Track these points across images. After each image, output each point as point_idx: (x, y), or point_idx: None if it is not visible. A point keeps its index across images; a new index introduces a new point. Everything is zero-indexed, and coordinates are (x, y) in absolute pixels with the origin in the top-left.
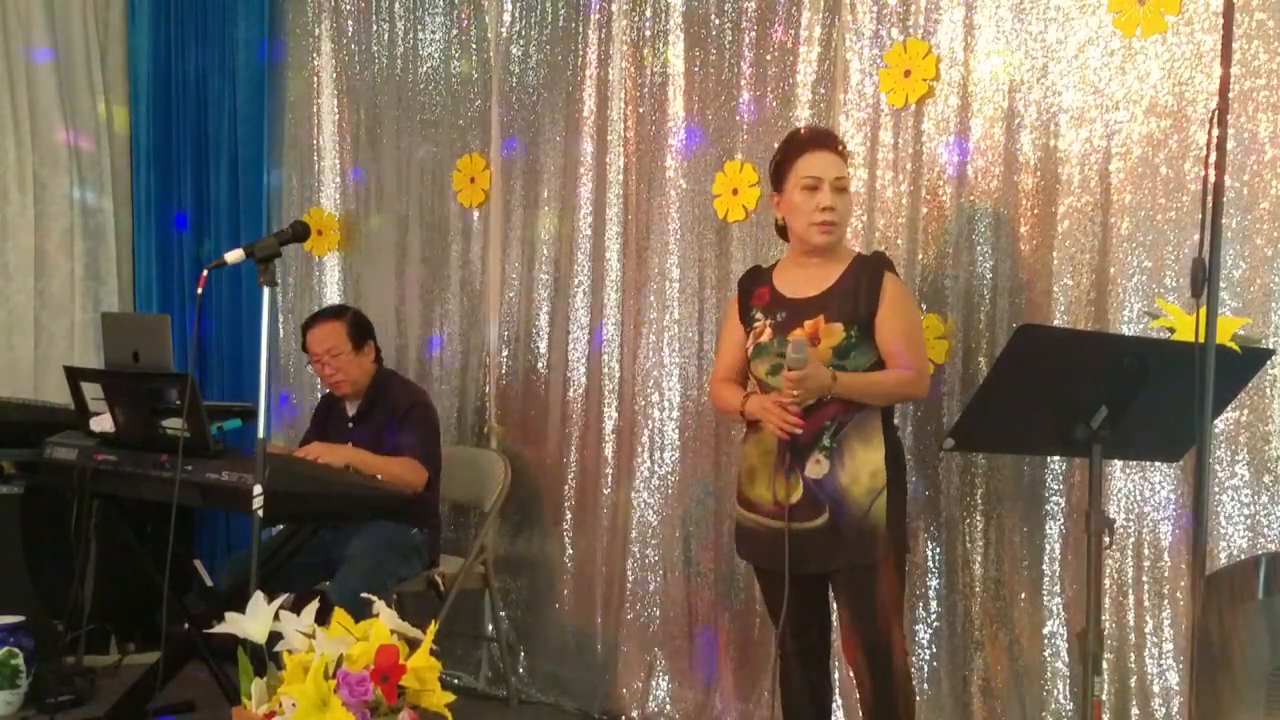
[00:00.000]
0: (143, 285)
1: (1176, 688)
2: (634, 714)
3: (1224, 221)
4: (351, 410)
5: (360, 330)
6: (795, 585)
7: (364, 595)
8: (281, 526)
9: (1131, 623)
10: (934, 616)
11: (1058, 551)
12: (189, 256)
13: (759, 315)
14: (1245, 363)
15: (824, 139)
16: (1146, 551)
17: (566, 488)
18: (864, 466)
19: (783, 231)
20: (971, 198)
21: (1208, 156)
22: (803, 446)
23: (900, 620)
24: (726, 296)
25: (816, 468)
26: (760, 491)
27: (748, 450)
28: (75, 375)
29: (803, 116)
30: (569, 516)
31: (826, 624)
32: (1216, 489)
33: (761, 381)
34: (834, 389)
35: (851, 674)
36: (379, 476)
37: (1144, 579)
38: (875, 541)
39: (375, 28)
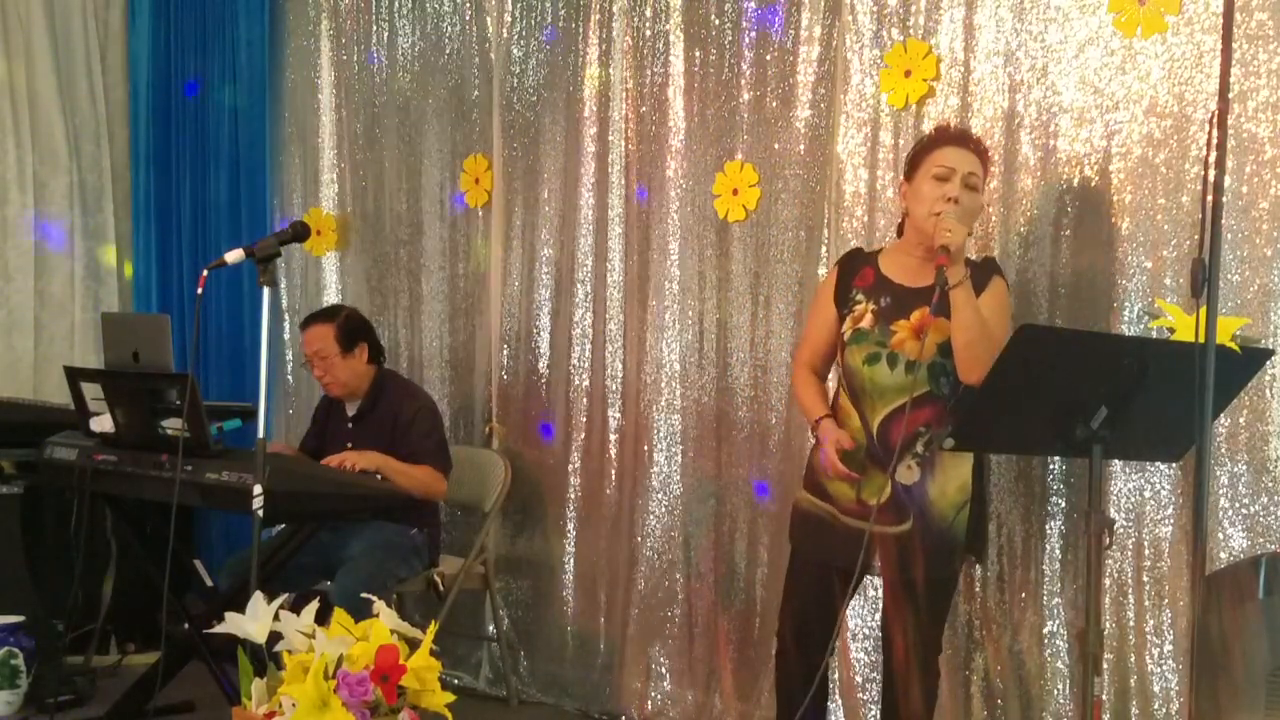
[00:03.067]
0: (142, 285)
1: (1176, 688)
2: (634, 714)
3: (1224, 222)
4: (351, 410)
5: (351, 333)
6: (827, 581)
7: (364, 595)
8: (281, 526)
9: (1131, 623)
10: None
11: (1058, 551)
12: (188, 252)
13: (860, 297)
14: (1245, 363)
15: (966, 137)
16: (1146, 551)
17: (567, 488)
18: (953, 480)
19: (900, 226)
20: None
21: (1208, 156)
22: (894, 450)
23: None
24: (727, 296)
25: (908, 473)
26: (840, 487)
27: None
28: (75, 375)
29: (803, 116)
30: (569, 516)
31: (835, 621)
32: (1216, 489)
33: (853, 371)
34: (961, 278)
35: (853, 673)
36: (405, 486)
37: (1144, 579)
38: (953, 555)
39: (375, 28)
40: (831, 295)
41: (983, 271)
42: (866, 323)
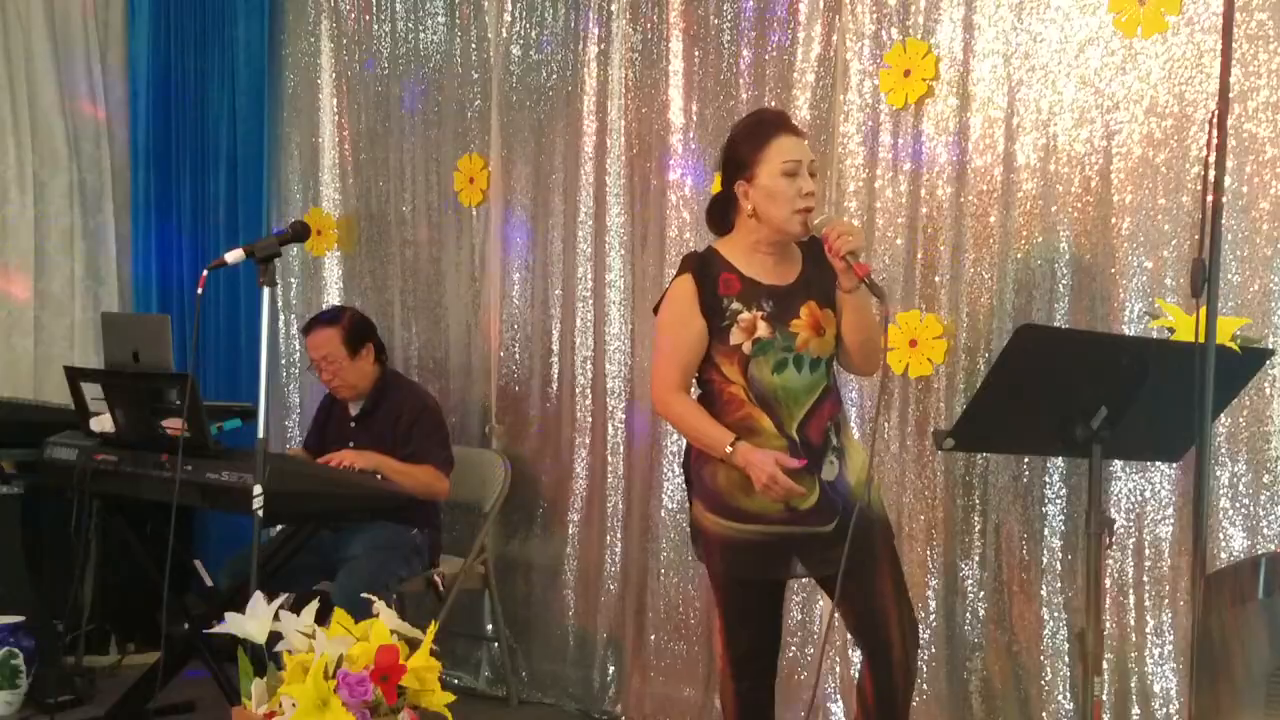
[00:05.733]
0: (142, 285)
1: (1176, 688)
2: (634, 714)
3: (1224, 222)
4: (354, 410)
5: (356, 335)
6: (773, 595)
7: (364, 595)
8: (281, 526)
9: (1131, 623)
10: (934, 616)
11: (1058, 551)
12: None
13: (738, 305)
14: (1245, 363)
15: (790, 122)
16: (1146, 551)
17: (566, 488)
18: (860, 460)
19: (717, 218)
20: (971, 197)
21: (1208, 156)
22: (816, 450)
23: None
24: None
25: (830, 469)
26: (764, 501)
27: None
28: (75, 375)
29: (802, 116)
30: (569, 516)
31: (780, 640)
32: (1216, 489)
33: (760, 382)
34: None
35: (853, 670)
36: (406, 487)
37: (1144, 579)
38: (883, 532)
39: (375, 28)
40: (697, 307)
41: (820, 254)
42: (764, 331)
